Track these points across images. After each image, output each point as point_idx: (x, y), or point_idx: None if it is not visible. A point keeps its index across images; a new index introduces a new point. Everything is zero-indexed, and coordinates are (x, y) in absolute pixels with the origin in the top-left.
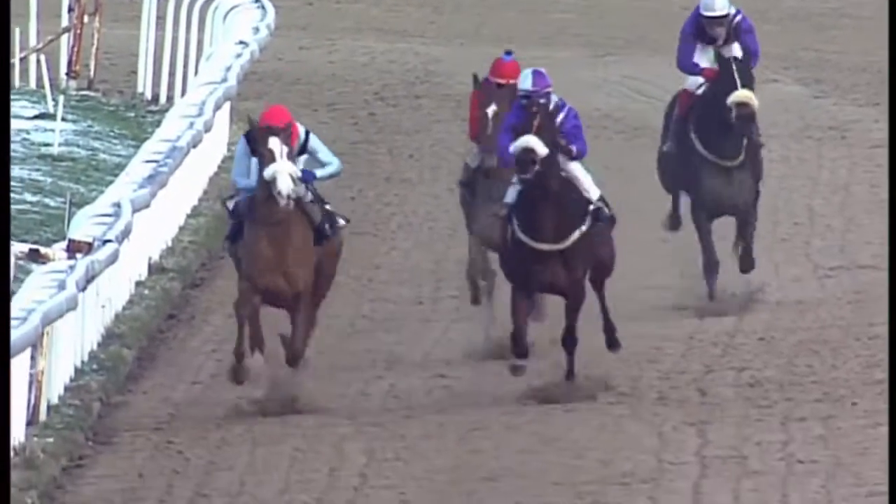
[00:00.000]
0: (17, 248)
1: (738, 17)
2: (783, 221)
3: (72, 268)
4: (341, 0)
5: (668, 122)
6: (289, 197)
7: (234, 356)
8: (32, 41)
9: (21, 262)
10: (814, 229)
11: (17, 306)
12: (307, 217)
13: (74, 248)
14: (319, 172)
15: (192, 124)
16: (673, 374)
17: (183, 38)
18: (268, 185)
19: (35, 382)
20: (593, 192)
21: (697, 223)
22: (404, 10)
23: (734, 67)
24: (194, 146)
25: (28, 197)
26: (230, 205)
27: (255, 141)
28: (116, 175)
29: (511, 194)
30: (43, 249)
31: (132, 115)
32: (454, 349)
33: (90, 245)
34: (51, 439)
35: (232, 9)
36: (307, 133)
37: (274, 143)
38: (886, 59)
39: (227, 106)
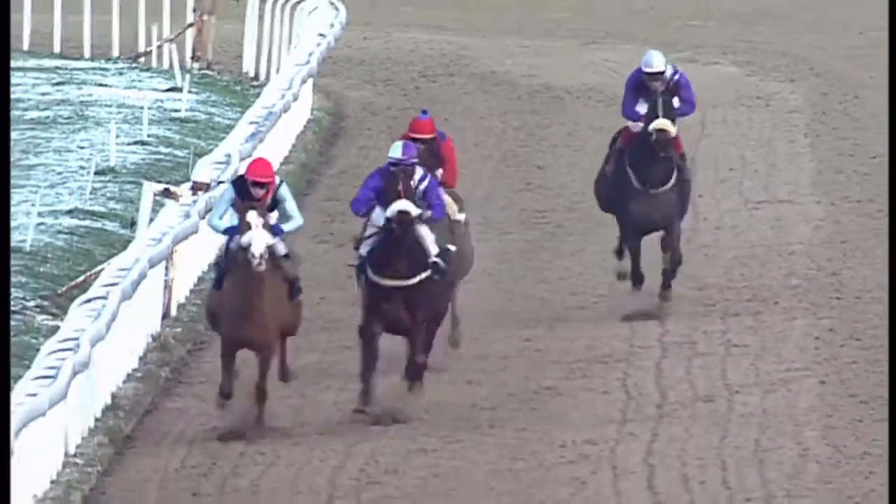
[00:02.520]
0: (154, 187)
1: (677, 76)
2: (722, 167)
3: (195, 202)
4: (395, 3)
5: (611, 150)
6: (262, 257)
7: (219, 395)
8: (166, 33)
9: (157, 198)
10: (745, 173)
11: (154, 230)
12: (282, 272)
13: (197, 188)
14: (286, 227)
15: (283, 95)
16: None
17: (277, 31)
18: (244, 250)
19: (167, 287)
20: (433, 250)
21: (629, 243)
22: (441, 10)
23: (660, 100)
24: (285, 111)
25: (162, 149)
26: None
27: (237, 204)
28: (227, 133)
29: (364, 249)
30: (173, 188)
31: (239, 88)
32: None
33: (208, 185)
34: (179, 329)
35: (314, 9)
36: (281, 182)
37: (251, 215)
38: (805, 47)
39: (310, 81)
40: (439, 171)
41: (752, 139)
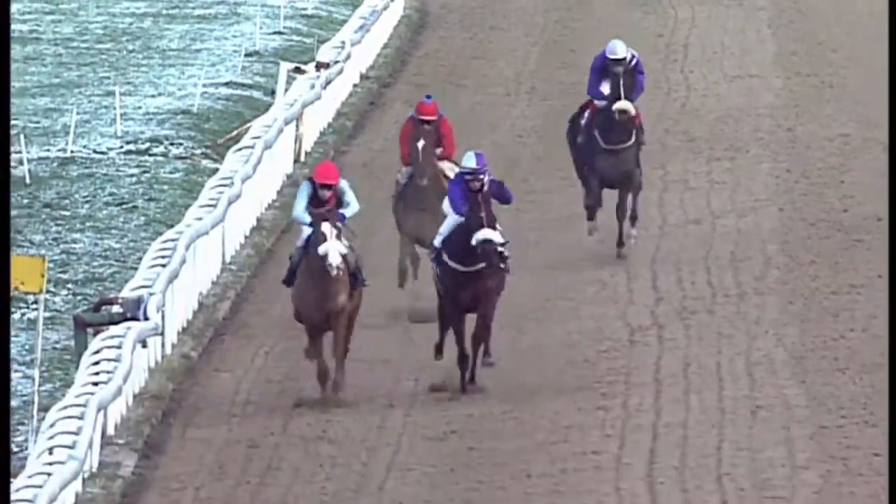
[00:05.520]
0: (286, 65)
1: (634, 61)
2: (707, 50)
3: (318, 76)
4: None
5: (572, 122)
6: (338, 269)
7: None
8: None
9: (290, 73)
10: (724, 55)
11: (288, 97)
12: (345, 263)
13: (319, 66)
14: (346, 212)
15: None
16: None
17: None
18: (321, 258)
19: (298, 139)
20: (499, 240)
21: (593, 191)
22: None
23: (621, 82)
24: (385, 9)
25: (294, 37)
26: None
27: (312, 208)
28: (342, 25)
29: (439, 241)
30: (302, 67)
31: None
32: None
33: (328, 64)
34: (307, 170)
35: None
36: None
37: (326, 226)
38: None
39: None
40: (439, 150)
41: (729, 29)
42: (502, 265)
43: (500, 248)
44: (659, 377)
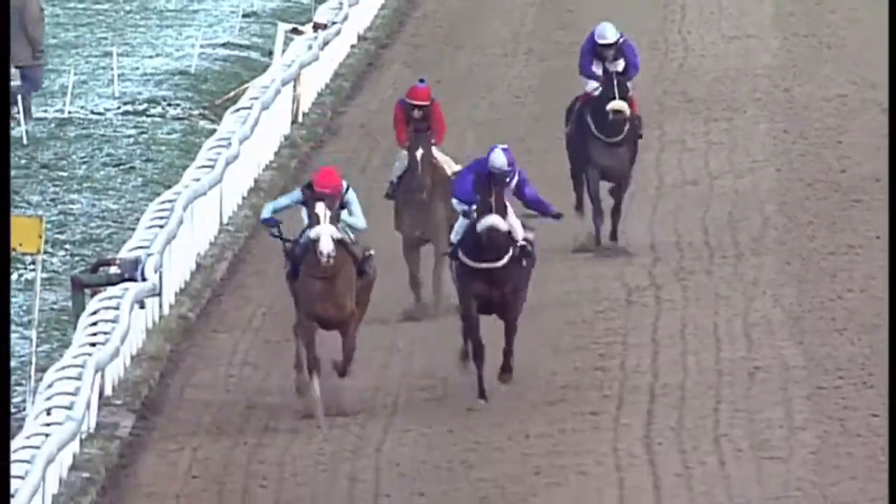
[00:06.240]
0: (284, 26)
1: (622, 41)
2: (705, 11)
3: (315, 37)
4: None
5: (569, 114)
6: (329, 256)
7: (294, 370)
8: None
9: (288, 34)
10: (722, 15)
11: (286, 58)
12: (351, 256)
13: (317, 27)
14: (349, 221)
15: None
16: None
17: None
18: (314, 243)
19: (295, 100)
20: (521, 235)
21: (589, 182)
22: None
23: (615, 81)
24: None
25: None
26: (287, 247)
27: (307, 199)
28: None
29: (455, 237)
30: (300, 27)
31: None
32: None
33: (325, 25)
34: (304, 131)
35: None
36: (348, 187)
37: (320, 207)
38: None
39: None
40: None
41: None
42: (524, 261)
43: (521, 242)
44: (656, 338)
